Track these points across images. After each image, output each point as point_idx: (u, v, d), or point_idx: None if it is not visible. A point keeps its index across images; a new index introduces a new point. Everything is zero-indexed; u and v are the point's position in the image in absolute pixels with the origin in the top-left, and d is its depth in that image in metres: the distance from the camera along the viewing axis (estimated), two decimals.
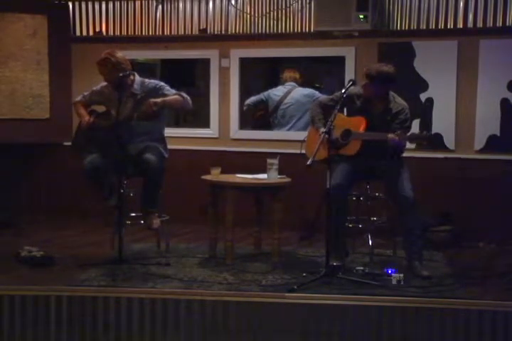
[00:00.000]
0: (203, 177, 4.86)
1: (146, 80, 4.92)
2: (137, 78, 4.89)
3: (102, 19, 6.46)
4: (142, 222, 4.89)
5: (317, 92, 6.31)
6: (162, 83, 4.90)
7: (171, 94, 4.76)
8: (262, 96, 6.45)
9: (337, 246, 4.46)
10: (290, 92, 6.35)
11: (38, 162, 6.51)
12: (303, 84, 6.42)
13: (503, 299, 3.91)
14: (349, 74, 5.80)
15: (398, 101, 4.64)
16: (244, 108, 6.39)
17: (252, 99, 6.44)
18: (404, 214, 4.47)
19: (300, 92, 6.35)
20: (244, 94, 6.38)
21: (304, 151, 4.69)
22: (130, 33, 6.42)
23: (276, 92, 6.42)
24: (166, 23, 6.34)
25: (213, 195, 4.86)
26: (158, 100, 4.62)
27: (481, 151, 5.60)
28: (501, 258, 5.03)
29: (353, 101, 4.64)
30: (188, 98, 4.80)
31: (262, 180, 4.76)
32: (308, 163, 3.97)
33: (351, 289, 4.07)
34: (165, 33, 6.35)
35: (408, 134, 4.46)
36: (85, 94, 5.05)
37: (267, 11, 6.07)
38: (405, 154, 4.99)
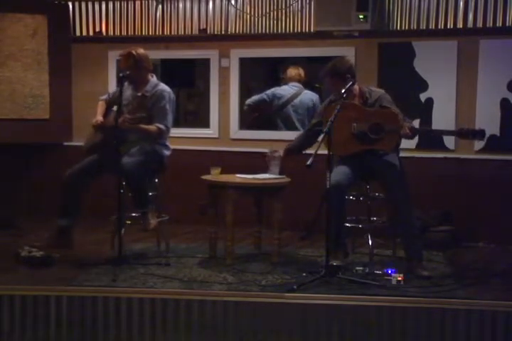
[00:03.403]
0: (203, 177, 4.86)
1: (160, 85, 4.92)
2: (153, 80, 4.92)
3: (102, 19, 6.47)
4: (142, 222, 4.90)
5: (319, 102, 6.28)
6: (167, 93, 4.88)
7: (161, 114, 4.79)
8: (264, 96, 6.39)
9: (337, 246, 4.46)
10: (299, 94, 6.29)
11: (38, 162, 6.51)
12: (305, 83, 6.39)
13: (503, 299, 3.91)
14: None
15: (374, 90, 4.71)
16: (245, 107, 6.35)
17: (254, 98, 6.39)
18: (400, 214, 4.47)
19: (308, 96, 6.31)
20: (244, 94, 6.38)
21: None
22: (130, 33, 6.43)
23: (282, 92, 6.35)
24: (166, 23, 6.35)
25: (213, 195, 4.86)
26: (132, 126, 4.66)
27: (481, 151, 5.60)
28: (501, 258, 5.03)
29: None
30: (164, 131, 4.83)
31: (262, 180, 4.76)
32: (307, 163, 3.96)
33: (351, 289, 4.07)
34: (165, 33, 6.36)
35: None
36: (110, 92, 5.12)
37: (267, 11, 6.08)
38: (405, 154, 5.01)
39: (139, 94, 4.88)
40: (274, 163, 4.72)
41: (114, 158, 4.53)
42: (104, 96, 5.09)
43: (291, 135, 6.07)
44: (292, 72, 6.37)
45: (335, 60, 4.70)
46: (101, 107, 4.99)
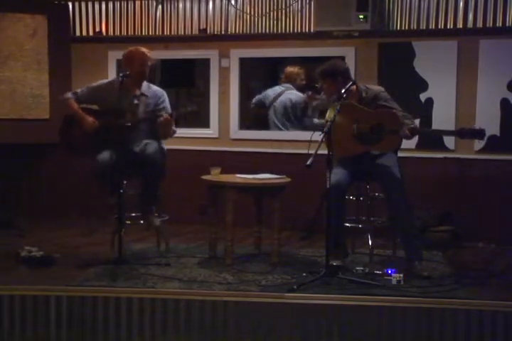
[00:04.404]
0: (203, 177, 4.86)
1: (152, 85, 5.00)
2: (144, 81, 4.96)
3: (102, 19, 6.47)
4: (142, 221, 4.91)
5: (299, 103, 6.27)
6: (165, 94, 4.99)
7: (167, 111, 4.86)
8: (261, 96, 6.45)
9: (336, 246, 4.45)
10: (282, 94, 6.31)
11: (38, 162, 6.50)
12: (306, 84, 6.36)
13: (503, 299, 3.91)
14: None
15: (371, 88, 4.70)
16: (251, 106, 6.47)
17: (256, 97, 6.47)
18: (400, 215, 4.47)
19: (287, 96, 6.29)
20: (244, 94, 6.38)
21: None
22: (130, 33, 6.43)
23: (270, 92, 6.39)
24: (166, 23, 6.36)
25: (213, 195, 4.86)
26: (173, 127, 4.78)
27: (481, 151, 5.60)
28: (501, 258, 5.03)
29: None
30: (175, 131, 4.92)
31: (262, 180, 4.76)
32: (307, 163, 3.96)
33: (351, 289, 4.07)
34: (165, 33, 6.37)
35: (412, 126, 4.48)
36: (78, 90, 5.01)
37: (267, 11, 6.08)
38: (405, 154, 5.01)
39: (138, 93, 4.89)
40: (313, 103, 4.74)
41: (128, 157, 4.57)
42: (69, 95, 4.97)
43: (290, 135, 6.12)
44: (287, 72, 6.38)
45: (328, 62, 4.69)
46: (76, 105, 4.90)
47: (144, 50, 4.87)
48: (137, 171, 4.79)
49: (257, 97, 6.48)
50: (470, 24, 5.62)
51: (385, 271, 4.33)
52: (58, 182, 6.45)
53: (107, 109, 4.82)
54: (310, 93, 4.84)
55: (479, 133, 4.31)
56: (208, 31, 6.26)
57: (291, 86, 6.35)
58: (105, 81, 5.04)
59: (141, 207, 4.89)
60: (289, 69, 6.37)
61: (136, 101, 4.87)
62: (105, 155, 4.69)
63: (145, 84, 4.95)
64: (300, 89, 6.32)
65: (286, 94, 6.33)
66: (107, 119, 4.77)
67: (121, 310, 3.97)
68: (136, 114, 4.83)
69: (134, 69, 4.81)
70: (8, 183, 6.34)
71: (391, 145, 4.54)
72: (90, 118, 4.84)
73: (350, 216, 4.80)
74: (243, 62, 6.25)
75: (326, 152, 4.20)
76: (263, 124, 6.46)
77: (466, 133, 4.36)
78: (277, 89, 6.40)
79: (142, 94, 4.90)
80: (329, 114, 4.47)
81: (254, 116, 6.58)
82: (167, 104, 4.97)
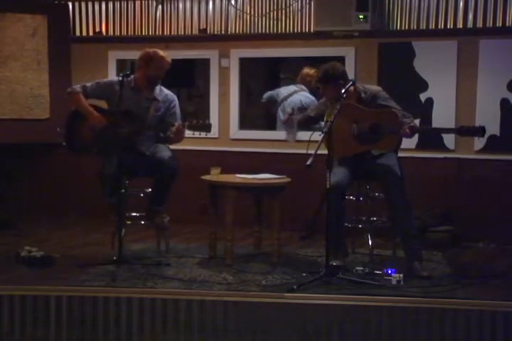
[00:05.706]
0: (203, 177, 4.86)
1: (164, 89, 4.96)
2: None
3: (102, 19, 6.47)
4: (142, 222, 4.91)
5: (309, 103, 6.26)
6: (176, 98, 4.98)
7: (178, 117, 4.90)
8: (274, 93, 6.43)
9: (337, 246, 4.45)
10: (294, 93, 6.30)
11: (38, 162, 6.51)
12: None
13: (503, 299, 3.91)
14: (349, 74, 5.74)
15: (369, 88, 4.70)
16: (262, 101, 6.48)
17: (267, 94, 6.46)
18: (399, 215, 4.47)
19: (298, 97, 6.25)
20: (244, 94, 6.38)
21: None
22: (130, 33, 6.43)
23: (283, 91, 6.36)
24: (166, 23, 6.35)
25: (213, 195, 4.86)
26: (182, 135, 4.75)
27: (481, 151, 5.60)
28: (501, 258, 5.03)
29: (328, 106, 4.64)
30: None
31: (262, 180, 4.76)
32: (307, 163, 3.96)
33: (351, 289, 4.07)
34: (165, 33, 6.37)
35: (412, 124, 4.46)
36: (87, 84, 4.90)
37: (267, 11, 6.08)
38: (405, 154, 5.01)
39: (150, 96, 4.86)
40: (291, 127, 4.75)
41: (138, 159, 4.59)
42: (79, 89, 4.86)
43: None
44: (303, 73, 6.35)
45: (326, 66, 4.66)
46: (85, 101, 4.82)
47: (162, 54, 4.83)
48: (146, 172, 4.78)
49: (270, 93, 6.45)
50: (470, 24, 5.62)
51: (385, 271, 4.33)
52: (58, 182, 6.45)
53: (117, 111, 4.62)
54: (287, 115, 4.89)
55: (479, 131, 4.29)
56: (208, 31, 6.26)
57: (304, 87, 6.34)
58: (115, 79, 4.98)
59: (149, 207, 4.88)
60: (305, 70, 6.34)
61: (146, 105, 4.85)
62: (111, 162, 4.58)
63: (158, 87, 4.92)
64: (313, 91, 6.29)
65: (298, 94, 6.28)
66: (116, 120, 4.61)
67: (121, 310, 3.97)
68: (146, 118, 4.79)
69: (150, 73, 4.79)
70: (8, 183, 6.34)
71: (391, 145, 4.54)
72: (100, 118, 4.77)
73: (350, 216, 4.79)
74: (243, 62, 6.25)
75: (326, 152, 4.20)
76: (268, 123, 6.45)
77: (465, 130, 4.35)
78: (291, 88, 6.36)
79: (154, 98, 4.88)
80: (329, 115, 4.47)
81: (259, 114, 6.56)
82: (177, 109, 4.95)
